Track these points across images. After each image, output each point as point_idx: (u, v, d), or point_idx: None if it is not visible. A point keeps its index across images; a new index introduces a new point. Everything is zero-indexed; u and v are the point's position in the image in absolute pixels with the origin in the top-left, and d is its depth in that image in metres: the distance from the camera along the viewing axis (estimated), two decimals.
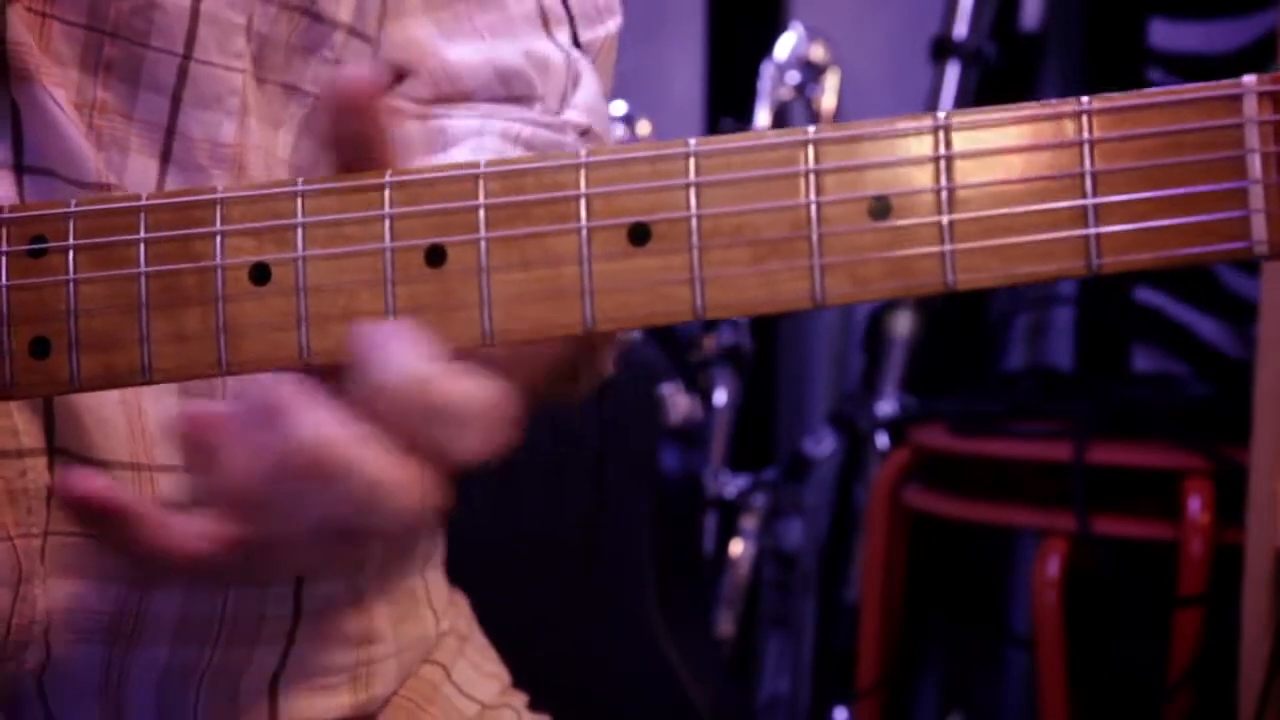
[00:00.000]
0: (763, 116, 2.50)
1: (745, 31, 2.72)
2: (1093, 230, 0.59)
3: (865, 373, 2.43)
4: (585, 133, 0.85)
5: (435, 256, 0.63)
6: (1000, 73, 2.40)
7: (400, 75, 0.85)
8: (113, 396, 0.76)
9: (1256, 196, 0.58)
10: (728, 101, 2.66)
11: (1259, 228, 0.58)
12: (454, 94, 0.84)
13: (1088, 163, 0.59)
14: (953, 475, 2.04)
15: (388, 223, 0.64)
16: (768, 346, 2.67)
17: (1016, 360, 2.51)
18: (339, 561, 0.65)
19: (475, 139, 0.81)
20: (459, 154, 0.80)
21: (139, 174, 0.76)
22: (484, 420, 0.60)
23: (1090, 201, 0.59)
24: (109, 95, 0.76)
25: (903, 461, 2.13)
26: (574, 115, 0.85)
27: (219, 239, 0.65)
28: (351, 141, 0.64)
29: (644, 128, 2.55)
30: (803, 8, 2.69)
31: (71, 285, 0.66)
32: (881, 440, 2.35)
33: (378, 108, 0.63)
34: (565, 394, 0.88)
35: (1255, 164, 0.58)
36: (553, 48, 0.86)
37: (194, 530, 0.63)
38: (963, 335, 2.48)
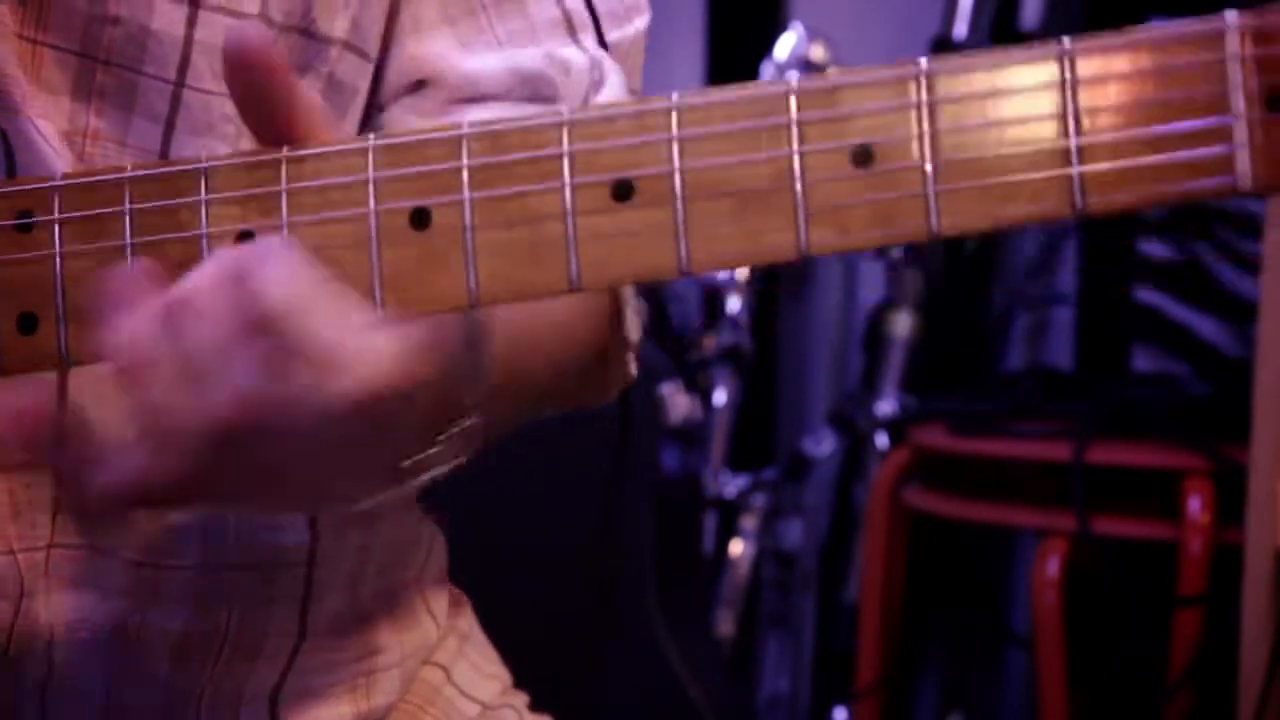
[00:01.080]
0: None
1: (745, 31, 2.72)
2: (1076, 169, 0.58)
3: (865, 373, 2.42)
4: None
5: (420, 218, 0.63)
6: None
7: (418, 85, 0.85)
8: (122, 411, 0.75)
9: (1240, 132, 0.57)
10: None
11: (1243, 163, 0.57)
12: (474, 98, 0.84)
13: (1071, 102, 0.58)
14: (953, 475, 2.04)
15: (372, 186, 0.63)
16: (768, 346, 2.67)
17: (1016, 360, 2.51)
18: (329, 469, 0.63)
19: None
20: None
21: None
22: (352, 364, 0.59)
23: (1074, 142, 0.58)
24: (101, 123, 0.76)
25: (902, 461, 2.13)
26: None
27: (204, 208, 0.65)
28: (255, 102, 0.63)
29: None
30: (803, 8, 2.69)
31: (58, 259, 0.66)
32: (881, 440, 2.35)
33: (269, 66, 0.63)
34: (587, 398, 0.88)
35: (1239, 100, 0.57)
36: (576, 52, 0.85)
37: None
38: (963, 335, 2.48)
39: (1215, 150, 0.57)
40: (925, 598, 2.27)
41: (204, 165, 0.65)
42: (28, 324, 0.66)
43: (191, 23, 0.76)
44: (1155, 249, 2.20)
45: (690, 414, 2.42)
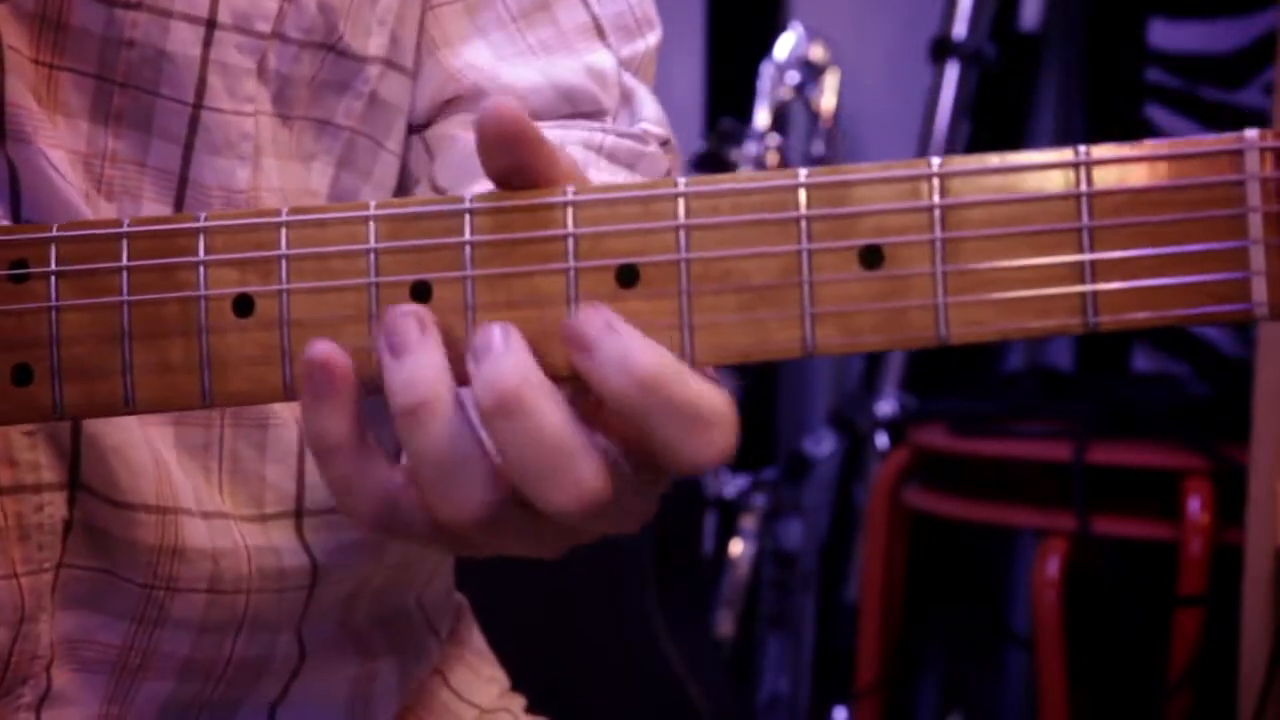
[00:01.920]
0: (762, 116, 2.50)
1: (745, 31, 2.72)
2: (1089, 287, 0.57)
3: (865, 373, 2.42)
4: (665, 143, 0.83)
5: (421, 293, 0.62)
6: (1000, 73, 2.40)
7: (454, 101, 0.84)
8: (138, 439, 0.75)
9: (1257, 257, 0.56)
10: (727, 101, 2.66)
11: (1259, 290, 0.56)
12: None
13: (1085, 216, 0.57)
14: (953, 475, 2.04)
15: (372, 257, 0.62)
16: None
17: (1016, 360, 2.51)
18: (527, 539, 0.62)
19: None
20: None
21: None
22: (719, 422, 0.58)
23: (1088, 257, 0.57)
24: (120, 145, 0.75)
25: (902, 461, 2.13)
26: (651, 127, 0.84)
27: (202, 269, 0.64)
28: (513, 173, 0.62)
29: None
30: (802, 8, 2.69)
31: (53, 312, 0.65)
32: (881, 440, 2.35)
33: (525, 135, 0.61)
34: None
35: (1256, 223, 0.56)
36: (606, 56, 0.84)
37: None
38: None
39: (1231, 275, 0.56)
40: (925, 598, 2.27)
41: (202, 225, 0.64)
42: (22, 376, 0.65)
43: (207, 43, 0.75)
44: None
45: None
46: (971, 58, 2.37)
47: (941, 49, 2.37)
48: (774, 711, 2.47)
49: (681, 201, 0.60)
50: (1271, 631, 1.58)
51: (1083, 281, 0.57)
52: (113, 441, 0.74)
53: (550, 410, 0.57)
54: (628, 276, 0.60)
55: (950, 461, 2.03)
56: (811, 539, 2.45)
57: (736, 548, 2.46)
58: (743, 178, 0.61)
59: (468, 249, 0.62)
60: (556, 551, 0.64)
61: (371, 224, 0.62)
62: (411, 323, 0.60)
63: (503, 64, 0.84)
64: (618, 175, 0.79)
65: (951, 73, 2.37)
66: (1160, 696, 1.78)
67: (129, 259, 0.64)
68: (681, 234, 0.60)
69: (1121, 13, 2.40)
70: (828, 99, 2.54)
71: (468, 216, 0.62)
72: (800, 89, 2.52)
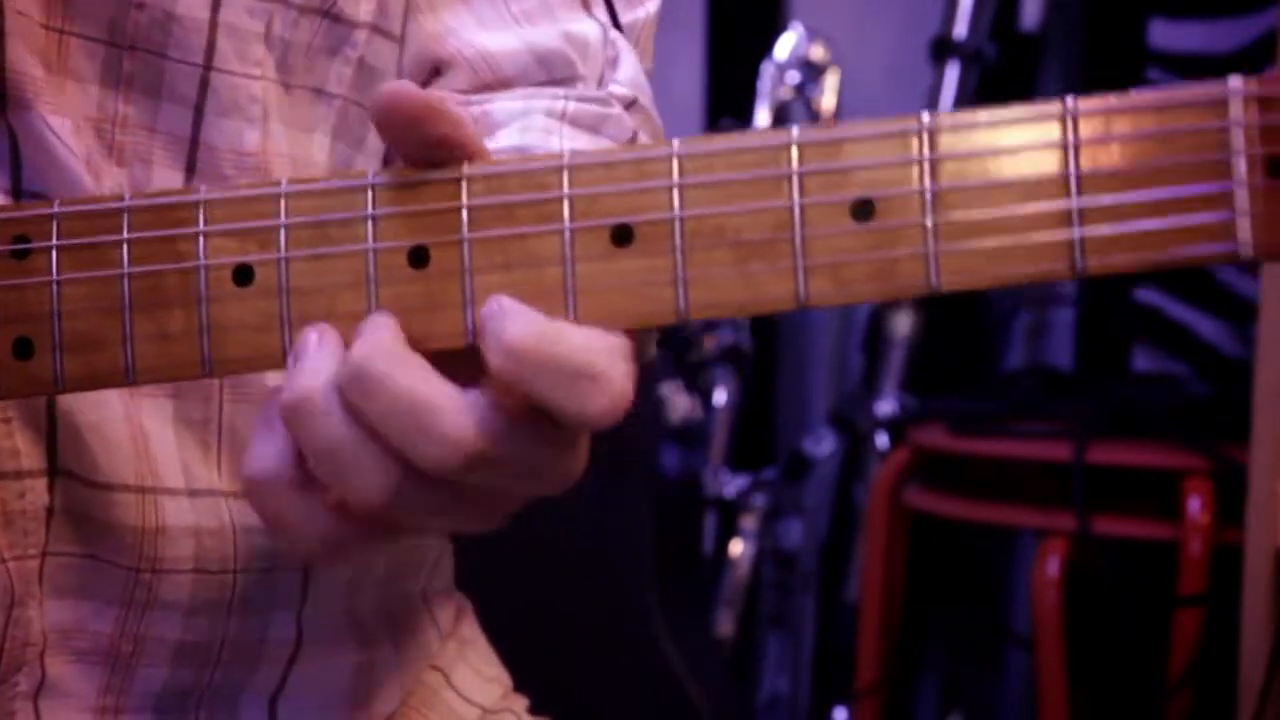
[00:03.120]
0: (763, 116, 2.50)
1: (745, 31, 2.72)
2: (1077, 232, 0.58)
3: (865, 373, 2.43)
4: (631, 105, 0.84)
5: (418, 257, 0.63)
6: (1000, 73, 2.40)
7: (438, 68, 0.85)
8: (116, 416, 0.76)
9: (1242, 199, 0.57)
10: (728, 101, 2.66)
11: (1244, 230, 0.57)
12: (494, 82, 0.84)
13: (1073, 164, 0.59)
14: (953, 475, 2.04)
15: (370, 224, 0.63)
16: (768, 346, 2.67)
17: (1016, 360, 2.51)
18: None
19: (521, 119, 0.80)
20: (506, 136, 0.79)
21: (164, 187, 0.76)
22: (600, 374, 0.60)
23: (1075, 203, 0.58)
24: (131, 109, 0.76)
25: (902, 461, 2.13)
26: (617, 89, 0.84)
27: (201, 240, 0.65)
28: (425, 149, 0.63)
29: None
30: (803, 8, 2.69)
31: (54, 286, 0.66)
32: (881, 440, 2.35)
33: (431, 111, 0.62)
34: None
35: (1241, 166, 0.57)
36: (591, 25, 0.85)
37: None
38: (963, 335, 2.48)
39: (1216, 216, 0.58)
40: (925, 598, 2.27)
41: (202, 197, 0.65)
42: (23, 349, 0.66)
43: (215, 6, 0.76)
44: None
45: (690, 414, 2.42)
46: (972, 57, 2.37)
47: (942, 49, 2.37)
48: (774, 711, 2.47)
49: (675, 161, 0.61)
50: (1271, 631, 1.58)
51: (1070, 227, 0.58)
52: (89, 418, 0.75)
53: (401, 374, 0.60)
54: (622, 236, 0.62)
55: (950, 461, 2.03)
56: (811, 539, 2.45)
57: (736, 548, 2.46)
58: (735, 137, 0.62)
59: (464, 213, 0.63)
60: (492, 521, 0.66)
61: (369, 191, 0.63)
62: (311, 335, 0.62)
63: (482, 30, 0.84)
64: (578, 140, 0.79)
65: (952, 73, 2.37)
66: (1160, 696, 1.78)
67: (129, 232, 0.65)
68: (675, 193, 0.61)
69: (1121, 13, 2.40)
70: (828, 99, 2.54)
71: (464, 182, 0.63)
72: (800, 89, 2.52)
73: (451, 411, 0.60)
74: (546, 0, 0.86)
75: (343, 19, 0.81)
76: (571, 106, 0.81)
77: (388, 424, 0.60)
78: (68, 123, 0.74)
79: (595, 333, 0.61)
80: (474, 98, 0.83)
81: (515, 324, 0.60)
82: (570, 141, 0.79)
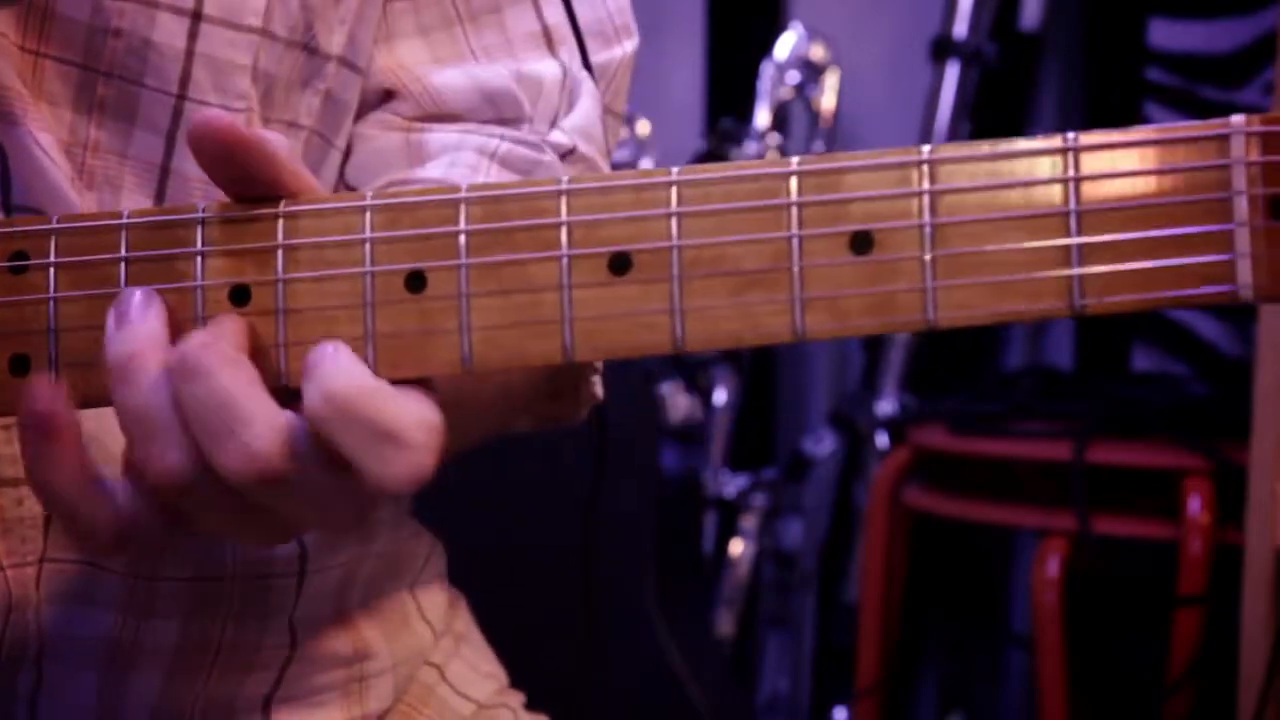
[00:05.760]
0: (762, 116, 2.50)
1: (745, 31, 2.72)
2: (1076, 270, 0.58)
3: (865, 372, 2.43)
4: (568, 154, 0.84)
5: (415, 282, 0.62)
6: (1000, 73, 2.40)
7: (389, 93, 0.84)
8: (115, 425, 0.76)
9: (1243, 240, 0.56)
10: (727, 101, 2.66)
11: (1244, 272, 0.57)
12: (440, 114, 0.83)
13: (1073, 200, 0.58)
14: (953, 475, 2.04)
15: (368, 246, 0.63)
16: (768, 346, 2.67)
17: (1016, 360, 2.51)
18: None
19: (451, 154, 0.80)
20: (433, 169, 0.79)
21: None
22: (409, 445, 0.59)
23: (1075, 241, 0.58)
24: (102, 134, 0.75)
25: (902, 461, 2.13)
26: (559, 136, 0.84)
27: (199, 259, 0.64)
28: (234, 181, 0.64)
29: (644, 127, 2.55)
30: (802, 7, 2.69)
31: (52, 303, 0.65)
32: (881, 440, 2.35)
33: (245, 143, 0.63)
34: (551, 419, 0.87)
35: (1242, 206, 0.56)
36: (550, 66, 0.85)
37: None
38: (963, 335, 2.48)
39: (1217, 258, 0.57)
40: (925, 597, 2.27)
41: (201, 216, 0.65)
42: (20, 365, 0.65)
43: (193, 35, 0.76)
44: None
45: (690, 414, 2.42)
46: (972, 57, 2.37)
47: (942, 48, 2.37)
48: (774, 711, 2.47)
49: (674, 189, 0.61)
50: (1271, 631, 1.58)
51: (1070, 265, 0.58)
52: (87, 427, 0.75)
53: (228, 376, 0.60)
54: (620, 264, 0.61)
55: (950, 461, 2.03)
56: (811, 539, 2.45)
57: (736, 547, 2.46)
58: (734, 166, 0.62)
59: (462, 238, 0.62)
60: (273, 540, 0.67)
61: (367, 214, 0.63)
62: (137, 297, 0.62)
63: (435, 65, 0.84)
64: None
65: (952, 72, 2.37)
66: (1160, 696, 1.78)
67: (127, 250, 0.65)
68: (674, 221, 0.61)
69: (1121, 12, 2.40)
70: (828, 99, 2.54)
71: (462, 206, 0.63)
72: (800, 89, 2.52)
73: (261, 425, 0.60)
74: (508, 38, 0.85)
75: (318, 52, 0.80)
76: (504, 147, 0.81)
77: (200, 416, 0.60)
78: (55, 140, 0.74)
79: (415, 404, 0.60)
80: (415, 124, 0.83)
81: (343, 375, 0.60)
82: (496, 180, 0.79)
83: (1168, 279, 0.57)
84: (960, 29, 2.37)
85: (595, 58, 0.87)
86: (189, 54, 0.76)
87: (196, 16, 0.76)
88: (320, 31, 0.80)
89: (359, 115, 0.85)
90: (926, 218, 0.59)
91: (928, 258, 0.59)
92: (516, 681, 0.96)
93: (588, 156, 0.85)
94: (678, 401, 2.40)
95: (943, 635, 2.43)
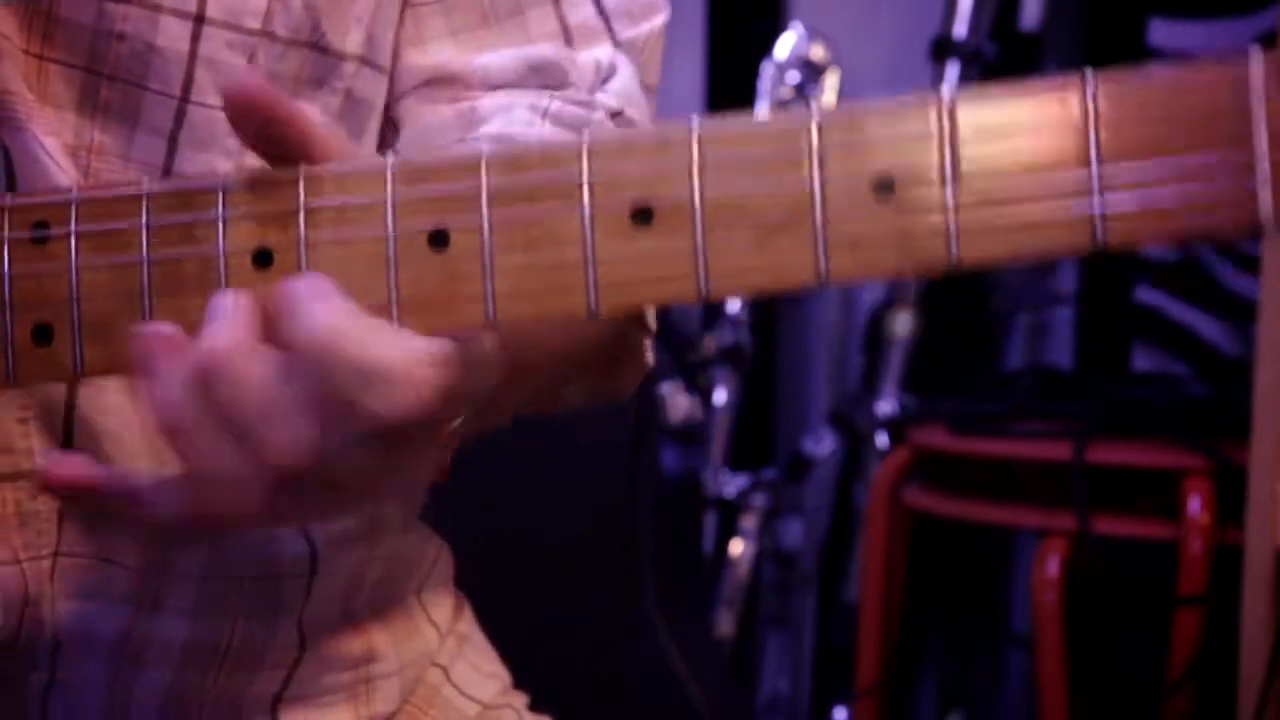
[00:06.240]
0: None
1: (745, 31, 2.72)
2: (1098, 206, 0.58)
3: (865, 372, 2.43)
4: (616, 114, 0.84)
5: (438, 240, 0.63)
6: (1000, 73, 2.40)
7: (427, 84, 0.84)
8: (133, 422, 0.76)
9: (1263, 170, 0.57)
10: (728, 101, 2.66)
11: (1265, 201, 0.57)
12: (486, 88, 0.84)
13: (1093, 137, 0.58)
14: (953, 475, 2.04)
15: (390, 207, 0.63)
16: (768, 346, 2.67)
17: (1016, 360, 2.51)
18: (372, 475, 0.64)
19: (504, 114, 0.80)
20: (489, 129, 0.79)
21: None
22: (399, 380, 0.60)
23: (1095, 177, 0.58)
24: (106, 137, 0.76)
25: (902, 461, 2.13)
26: (605, 98, 0.84)
27: (221, 225, 0.64)
28: (265, 141, 0.64)
29: None
30: (802, 7, 2.69)
31: (74, 271, 0.65)
32: (881, 440, 2.35)
33: (275, 107, 0.63)
34: (604, 388, 0.88)
35: (1261, 137, 0.56)
36: (581, 55, 0.85)
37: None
38: (963, 335, 2.48)
39: (1237, 188, 0.57)
40: (925, 597, 2.27)
41: (221, 182, 0.65)
42: (43, 335, 0.66)
43: (195, 38, 0.76)
44: (1155, 249, 2.20)
45: (690, 414, 2.42)
46: (971, 57, 2.37)
47: (942, 48, 2.37)
48: (774, 711, 2.47)
49: (695, 141, 0.61)
50: (1271, 631, 1.58)
51: (1090, 200, 0.58)
52: (105, 425, 0.75)
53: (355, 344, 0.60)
54: (643, 216, 0.61)
55: (950, 461, 2.03)
56: (811, 539, 2.45)
57: (736, 547, 2.46)
58: (754, 116, 0.62)
59: (484, 195, 0.62)
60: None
61: (389, 174, 0.63)
62: (229, 298, 0.62)
63: (472, 56, 0.84)
64: (563, 137, 0.79)
65: (952, 72, 2.37)
66: (1160, 696, 1.78)
67: (148, 218, 0.65)
68: (695, 172, 0.61)
69: (1121, 13, 2.40)
70: (828, 99, 2.54)
71: (484, 164, 0.63)
72: (800, 89, 2.52)
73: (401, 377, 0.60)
74: (530, 39, 0.85)
75: (330, 51, 0.80)
76: (555, 105, 0.82)
77: (334, 393, 0.60)
78: (59, 143, 0.74)
79: (398, 337, 0.60)
80: (463, 94, 0.83)
81: (324, 314, 0.60)
82: (550, 138, 0.79)
83: (1188, 211, 0.57)
84: (960, 29, 2.37)
85: (623, 35, 0.87)
86: (192, 56, 0.76)
87: (199, 19, 0.76)
88: (330, 31, 0.80)
89: (396, 102, 0.85)
90: (947, 159, 0.59)
91: (949, 198, 0.59)
92: (517, 682, 0.96)
93: (635, 120, 0.85)
94: (678, 401, 2.40)
95: (943, 635, 2.43)
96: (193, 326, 0.64)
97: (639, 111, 0.86)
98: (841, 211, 0.60)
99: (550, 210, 0.62)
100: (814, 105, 0.61)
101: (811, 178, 0.60)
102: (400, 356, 0.60)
